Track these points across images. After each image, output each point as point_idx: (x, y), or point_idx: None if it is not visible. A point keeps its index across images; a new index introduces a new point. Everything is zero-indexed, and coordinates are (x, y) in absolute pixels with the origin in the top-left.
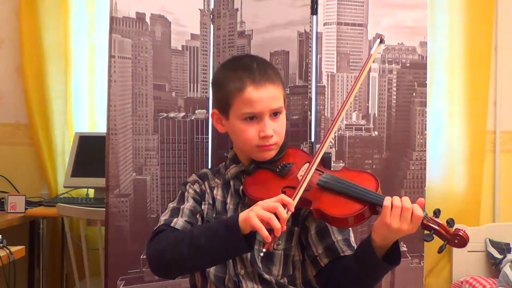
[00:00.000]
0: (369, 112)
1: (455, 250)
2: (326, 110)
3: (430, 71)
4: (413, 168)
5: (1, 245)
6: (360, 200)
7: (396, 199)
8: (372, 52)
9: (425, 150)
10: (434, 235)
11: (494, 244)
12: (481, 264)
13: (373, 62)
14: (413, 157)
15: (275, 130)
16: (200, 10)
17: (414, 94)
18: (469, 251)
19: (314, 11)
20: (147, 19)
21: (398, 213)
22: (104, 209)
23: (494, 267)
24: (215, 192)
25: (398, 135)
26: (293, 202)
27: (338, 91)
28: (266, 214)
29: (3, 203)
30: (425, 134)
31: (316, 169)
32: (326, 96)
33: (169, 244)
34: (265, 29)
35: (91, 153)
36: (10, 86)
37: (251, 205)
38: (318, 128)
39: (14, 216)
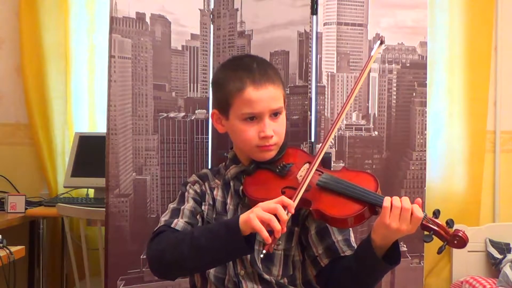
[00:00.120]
0: (369, 112)
1: (455, 250)
2: (326, 110)
3: (430, 71)
4: (413, 168)
5: (1, 245)
6: (360, 201)
7: (396, 199)
8: (372, 53)
9: (425, 150)
10: (433, 236)
11: (494, 244)
12: (481, 264)
13: (373, 62)
14: (413, 157)
15: (275, 130)
16: (200, 10)
17: (414, 94)
18: (469, 251)
19: (314, 11)
20: (147, 19)
21: (397, 213)
22: (104, 209)
23: (494, 267)
24: (215, 192)
25: (398, 135)
26: (293, 204)
27: (338, 91)
28: (266, 215)
29: (3, 203)
30: (425, 134)
31: (316, 170)
32: (326, 96)
33: (169, 245)
34: (265, 29)
35: (91, 153)
36: (10, 86)
37: (251, 206)
38: (318, 128)
39: (14, 216)
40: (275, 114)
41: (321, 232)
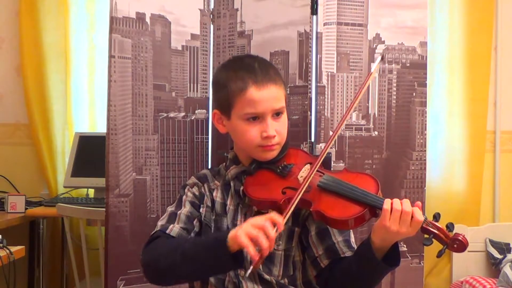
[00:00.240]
0: (369, 112)
1: None
2: (326, 110)
3: (430, 71)
4: (413, 168)
5: (1, 245)
6: (360, 203)
7: (396, 202)
8: (372, 70)
9: (425, 150)
10: (433, 239)
11: (494, 244)
12: (481, 264)
13: (373, 62)
14: (413, 157)
15: (277, 130)
16: (200, 10)
17: (414, 94)
18: (469, 251)
19: (314, 11)
20: (147, 19)
21: (397, 216)
22: (104, 209)
23: (494, 267)
24: (214, 194)
25: (398, 135)
26: (282, 222)
27: (338, 91)
28: (254, 232)
29: (3, 203)
30: (425, 134)
31: (317, 170)
32: (326, 96)
33: (161, 254)
34: (265, 29)
35: (91, 153)
36: (10, 86)
37: (252, 206)
38: (318, 128)
39: (14, 216)
40: (277, 114)
41: (322, 233)
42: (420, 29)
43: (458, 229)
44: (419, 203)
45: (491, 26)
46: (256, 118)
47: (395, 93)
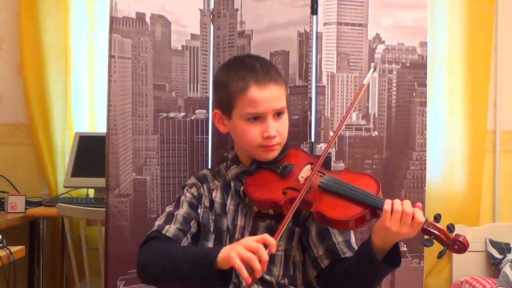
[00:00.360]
0: (369, 112)
1: None
2: (326, 110)
3: (430, 71)
4: (413, 168)
5: (1, 245)
6: (361, 203)
7: (397, 203)
8: (365, 82)
9: (425, 150)
10: (434, 240)
11: (494, 244)
12: (481, 264)
13: (373, 62)
14: (413, 157)
15: (278, 130)
16: (200, 10)
17: (414, 94)
18: (469, 251)
19: (314, 11)
20: (147, 19)
21: (398, 217)
22: (104, 209)
23: (494, 267)
24: (213, 194)
25: (398, 135)
26: (275, 243)
27: (338, 91)
28: (247, 254)
29: (3, 203)
30: (425, 134)
31: (317, 171)
32: (326, 96)
33: (154, 257)
34: (265, 29)
35: (91, 153)
36: (10, 86)
37: (252, 206)
38: (318, 128)
39: (14, 216)
40: (278, 114)
41: (322, 233)
42: (420, 29)
43: (458, 229)
44: (419, 204)
45: (491, 26)
46: (257, 118)
47: (395, 93)
